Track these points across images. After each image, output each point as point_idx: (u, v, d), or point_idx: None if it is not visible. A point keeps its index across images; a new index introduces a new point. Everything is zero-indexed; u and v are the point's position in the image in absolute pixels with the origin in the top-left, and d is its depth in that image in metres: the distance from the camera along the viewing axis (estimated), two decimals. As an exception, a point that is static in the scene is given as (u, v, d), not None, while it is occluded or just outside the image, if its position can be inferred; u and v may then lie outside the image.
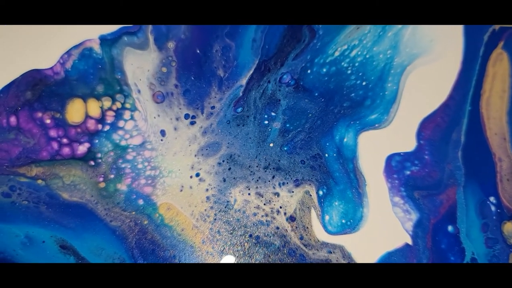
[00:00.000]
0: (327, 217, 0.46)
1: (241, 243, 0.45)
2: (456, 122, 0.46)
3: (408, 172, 0.46)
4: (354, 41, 0.47)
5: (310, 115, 0.46)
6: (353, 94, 0.46)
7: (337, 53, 0.47)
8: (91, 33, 0.46)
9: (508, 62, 0.46)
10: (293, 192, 0.46)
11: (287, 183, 0.46)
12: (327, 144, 0.46)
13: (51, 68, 0.46)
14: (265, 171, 0.46)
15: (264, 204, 0.46)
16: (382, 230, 0.45)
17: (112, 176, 0.45)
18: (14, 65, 0.46)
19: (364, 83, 0.46)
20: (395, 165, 0.46)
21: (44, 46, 0.46)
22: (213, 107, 0.46)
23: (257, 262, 0.44)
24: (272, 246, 0.45)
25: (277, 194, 0.46)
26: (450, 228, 0.45)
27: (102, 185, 0.45)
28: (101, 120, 0.45)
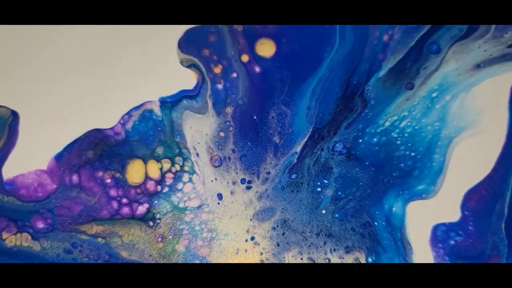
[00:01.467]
0: (375, 284, 0.51)
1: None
2: (500, 194, 0.52)
3: (452, 242, 0.52)
4: (404, 112, 0.53)
5: (361, 183, 0.52)
6: (402, 164, 0.52)
7: (387, 124, 0.52)
8: (151, 95, 0.52)
9: (551, 138, 0.52)
10: (343, 258, 0.51)
11: (338, 249, 0.52)
12: (377, 212, 0.52)
13: (112, 128, 0.51)
14: (317, 237, 0.51)
15: (316, 270, 0.51)
16: (427, 299, 0.51)
17: (170, 237, 0.51)
18: (77, 125, 0.51)
19: (413, 154, 0.52)
20: (441, 235, 0.52)
21: (106, 106, 0.52)
22: (268, 173, 0.52)
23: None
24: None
25: (328, 260, 0.51)
26: (492, 298, 0.51)
27: (160, 245, 0.50)
28: (161, 181, 0.51)
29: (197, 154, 0.51)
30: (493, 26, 0.53)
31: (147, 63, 0.52)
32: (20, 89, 0.51)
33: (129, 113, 0.51)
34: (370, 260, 0.52)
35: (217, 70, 0.52)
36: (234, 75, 0.52)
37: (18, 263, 0.49)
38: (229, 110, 0.52)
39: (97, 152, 0.51)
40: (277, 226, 0.52)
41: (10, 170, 0.50)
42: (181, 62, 0.52)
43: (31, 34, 0.52)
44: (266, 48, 0.53)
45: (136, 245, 0.50)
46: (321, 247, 0.52)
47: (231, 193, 0.51)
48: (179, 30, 0.53)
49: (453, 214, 0.52)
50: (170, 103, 0.52)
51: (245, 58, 0.52)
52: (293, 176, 0.52)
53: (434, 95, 0.53)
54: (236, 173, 0.52)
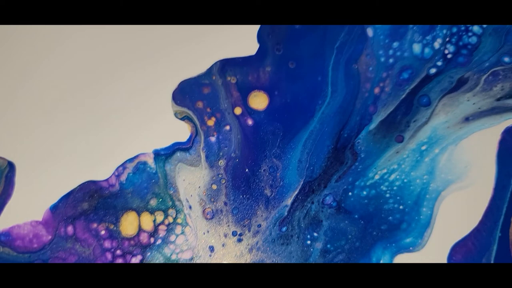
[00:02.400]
0: (362, 336, 0.54)
1: None
2: (487, 247, 0.55)
3: (439, 294, 0.54)
4: (393, 165, 0.55)
5: (350, 236, 0.55)
6: (390, 218, 0.55)
7: (377, 177, 0.55)
8: (145, 147, 0.54)
9: (537, 193, 0.55)
10: (331, 311, 0.54)
11: (326, 302, 0.54)
12: (365, 265, 0.55)
13: (107, 180, 0.54)
14: (306, 289, 0.54)
15: (304, 322, 0.54)
16: None
17: (162, 288, 0.53)
18: (72, 176, 0.54)
19: (401, 207, 0.55)
20: None
21: (100, 158, 0.54)
22: (259, 225, 0.54)
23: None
24: None
25: (317, 312, 0.54)
26: None
27: (153, 297, 0.53)
28: (154, 233, 0.53)
29: (190, 207, 0.54)
30: (482, 79, 0.56)
31: (141, 115, 0.54)
32: (16, 140, 0.54)
33: (123, 165, 0.54)
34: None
35: (211, 122, 0.55)
36: (227, 127, 0.55)
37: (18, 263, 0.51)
38: (221, 162, 0.54)
39: (92, 204, 0.53)
40: (267, 278, 0.54)
41: (6, 221, 0.53)
42: (175, 114, 0.55)
43: (23, 88, 0.54)
44: (259, 101, 0.55)
45: (129, 296, 0.53)
46: (310, 299, 0.54)
47: (223, 245, 0.54)
48: (173, 81, 0.55)
49: (440, 267, 0.54)
50: (164, 155, 0.54)
51: (238, 110, 0.55)
52: (284, 229, 0.55)
53: (423, 148, 0.55)
54: (228, 225, 0.54)
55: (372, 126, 0.55)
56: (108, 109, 0.54)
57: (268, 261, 0.54)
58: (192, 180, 0.54)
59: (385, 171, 0.55)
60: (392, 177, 0.55)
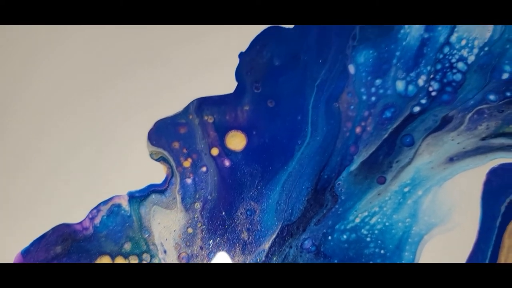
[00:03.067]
0: None
1: None
2: (470, 293, 0.54)
3: None
4: (374, 208, 0.54)
5: (329, 282, 0.54)
6: (371, 263, 0.54)
7: (357, 220, 0.54)
8: (120, 189, 0.54)
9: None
10: None
11: None
12: (344, 312, 0.53)
13: (80, 222, 0.53)
14: (284, 337, 0.53)
15: None
16: None
17: (136, 336, 0.52)
18: (45, 219, 0.53)
19: (382, 252, 0.54)
20: (409, 335, 0.53)
21: (74, 200, 0.53)
22: (235, 271, 0.53)
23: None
24: None
25: None
26: None
27: None
28: (127, 279, 0.53)
29: (165, 251, 0.53)
30: (467, 117, 0.55)
31: (116, 156, 0.54)
32: (-12, 182, 0.53)
33: (97, 208, 0.53)
34: None
35: (187, 163, 0.54)
36: (204, 169, 0.54)
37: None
38: (197, 205, 0.54)
39: (65, 248, 0.53)
40: (244, 326, 0.53)
41: (-23, 266, 0.52)
42: (151, 155, 0.54)
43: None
44: (236, 141, 0.54)
45: None
46: None
47: (198, 291, 0.53)
48: (149, 120, 0.54)
49: (422, 313, 0.53)
50: (138, 197, 0.53)
51: (215, 151, 0.54)
52: (261, 274, 0.54)
53: (406, 189, 0.54)
54: (204, 271, 0.53)
55: (353, 167, 0.54)
56: (81, 149, 0.54)
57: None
58: (167, 224, 0.53)
59: (366, 214, 0.54)
60: (373, 220, 0.54)
